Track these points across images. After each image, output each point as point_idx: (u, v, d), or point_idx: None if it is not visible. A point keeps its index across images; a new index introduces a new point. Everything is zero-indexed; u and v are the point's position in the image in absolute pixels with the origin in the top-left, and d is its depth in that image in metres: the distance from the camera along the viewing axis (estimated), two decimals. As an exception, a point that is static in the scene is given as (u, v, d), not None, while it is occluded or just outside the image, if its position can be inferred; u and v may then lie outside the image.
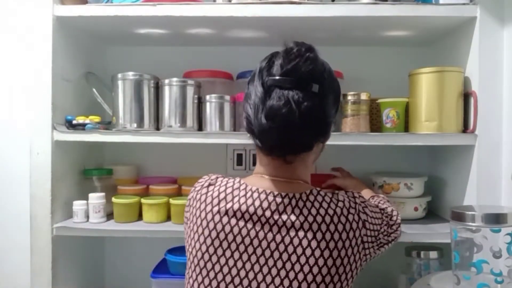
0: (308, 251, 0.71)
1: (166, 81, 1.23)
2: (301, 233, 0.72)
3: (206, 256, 0.73)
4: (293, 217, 0.73)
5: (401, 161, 1.45)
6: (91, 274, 1.43)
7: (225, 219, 0.73)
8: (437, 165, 1.40)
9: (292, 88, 0.71)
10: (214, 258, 0.72)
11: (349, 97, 1.22)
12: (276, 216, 0.73)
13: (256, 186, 0.77)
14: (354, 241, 0.74)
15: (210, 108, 1.23)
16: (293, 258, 0.71)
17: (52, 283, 1.18)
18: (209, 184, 0.80)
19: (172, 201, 1.21)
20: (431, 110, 1.15)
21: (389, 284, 1.42)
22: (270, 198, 0.74)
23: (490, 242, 0.85)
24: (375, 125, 1.28)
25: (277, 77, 0.72)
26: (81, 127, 1.20)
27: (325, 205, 0.75)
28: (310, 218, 0.73)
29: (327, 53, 1.43)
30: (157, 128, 1.25)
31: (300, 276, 0.70)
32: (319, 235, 0.71)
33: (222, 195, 0.76)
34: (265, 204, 0.73)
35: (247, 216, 0.73)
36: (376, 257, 0.84)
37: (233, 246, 0.72)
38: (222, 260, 0.72)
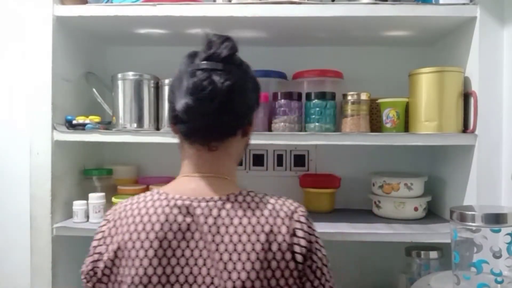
0: (235, 256, 0.68)
1: (166, 81, 1.23)
2: (226, 238, 0.70)
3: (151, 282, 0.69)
4: (219, 222, 0.71)
5: (401, 161, 1.45)
6: (91, 274, 1.42)
7: (160, 234, 0.70)
8: (437, 165, 1.40)
9: (213, 69, 0.73)
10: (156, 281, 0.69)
11: (349, 97, 1.22)
12: (201, 221, 0.71)
13: (180, 193, 0.74)
14: (284, 245, 0.70)
15: (210, 108, 1.23)
16: (220, 265, 0.68)
17: (52, 283, 1.18)
18: (125, 206, 0.76)
19: (172, 201, 1.21)
20: (431, 110, 1.15)
21: (389, 284, 1.42)
22: (195, 204, 0.72)
23: (490, 242, 0.85)
24: (375, 125, 1.28)
25: (199, 62, 0.74)
26: (81, 127, 1.20)
27: (253, 205, 0.73)
28: (236, 221, 0.71)
29: (327, 53, 1.46)
30: (157, 128, 1.25)
31: (229, 284, 0.68)
32: (244, 238, 0.69)
33: (143, 211, 0.73)
34: (191, 211, 0.71)
35: (175, 228, 0.70)
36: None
37: (173, 261, 0.69)
38: (164, 279, 0.69)
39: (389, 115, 1.21)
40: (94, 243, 0.76)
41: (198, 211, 0.72)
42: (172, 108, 0.77)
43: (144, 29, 1.31)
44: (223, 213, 0.72)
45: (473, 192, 1.14)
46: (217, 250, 0.69)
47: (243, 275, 0.68)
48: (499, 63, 1.12)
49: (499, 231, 0.84)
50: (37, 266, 1.18)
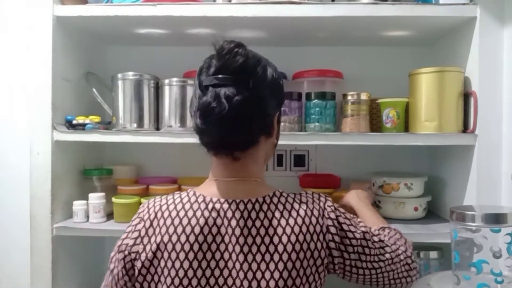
0: (276, 256, 0.70)
1: (166, 81, 1.23)
2: (267, 239, 0.71)
3: (185, 281, 0.70)
4: (258, 223, 0.72)
5: (401, 161, 1.45)
6: (91, 274, 1.42)
7: (200, 237, 0.71)
8: (437, 165, 1.40)
9: (223, 85, 0.71)
10: (194, 279, 0.70)
11: (349, 97, 1.22)
12: (241, 223, 0.72)
13: (216, 195, 0.75)
14: (319, 244, 0.73)
15: (210, 108, 1.23)
16: (263, 265, 0.70)
17: (52, 283, 1.18)
18: (160, 206, 0.76)
19: (172, 201, 1.21)
20: (431, 110, 1.15)
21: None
22: (233, 207, 0.73)
23: (490, 242, 0.85)
24: (375, 125, 1.28)
25: (210, 77, 0.73)
26: (81, 127, 1.20)
27: (288, 206, 0.74)
28: (275, 222, 0.72)
29: (327, 53, 1.46)
30: (157, 128, 1.25)
31: (267, 277, 0.69)
32: (284, 238, 0.71)
33: (182, 213, 0.73)
34: (229, 214, 0.72)
35: (214, 231, 0.71)
36: (378, 277, 0.80)
37: (212, 264, 0.70)
38: (203, 282, 0.70)
39: (389, 115, 1.21)
40: (129, 241, 0.74)
41: (237, 214, 0.72)
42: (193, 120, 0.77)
43: (144, 29, 1.31)
44: (261, 215, 0.73)
45: (473, 192, 1.14)
46: (258, 251, 0.70)
47: (285, 274, 0.69)
48: (499, 63, 1.12)
49: (499, 231, 0.84)
50: (37, 266, 1.18)
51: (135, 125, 1.22)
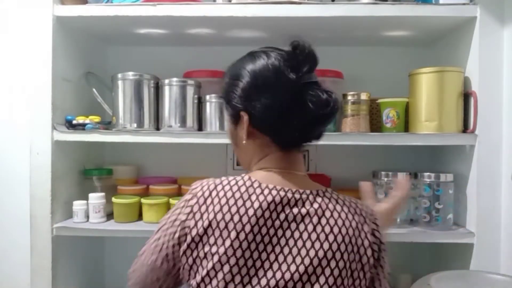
0: (326, 245, 0.71)
1: (166, 81, 1.23)
2: (318, 228, 0.73)
3: (235, 269, 0.70)
4: (312, 211, 0.74)
5: (401, 161, 1.45)
6: (91, 274, 1.43)
7: (253, 219, 0.72)
8: (437, 165, 1.40)
9: (318, 85, 0.79)
10: (242, 265, 0.71)
11: (349, 97, 1.22)
12: (294, 211, 0.74)
13: (271, 182, 0.76)
14: (366, 242, 0.75)
15: (210, 108, 1.23)
16: (312, 252, 0.71)
17: (52, 283, 1.18)
18: (215, 185, 0.77)
19: (172, 201, 1.21)
20: (431, 110, 1.15)
21: (390, 283, 1.42)
22: (289, 194, 0.75)
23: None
24: (375, 125, 1.28)
25: (306, 75, 0.81)
26: (81, 127, 1.20)
27: (340, 202, 0.77)
28: (328, 213, 0.74)
29: (327, 53, 1.45)
30: (157, 128, 1.25)
31: (315, 263, 0.70)
32: (336, 229, 0.73)
33: (237, 194, 0.74)
34: (284, 201, 0.74)
35: (267, 215, 0.73)
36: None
37: (261, 247, 0.71)
38: (250, 263, 0.71)
39: (389, 115, 1.21)
40: (182, 217, 0.75)
41: (292, 201, 0.74)
42: (264, 117, 0.76)
43: (144, 29, 1.31)
44: (315, 205, 0.74)
45: (473, 192, 1.14)
46: (308, 238, 0.72)
47: (324, 262, 0.70)
48: (499, 63, 1.12)
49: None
50: (37, 266, 1.18)
51: (135, 125, 1.22)
